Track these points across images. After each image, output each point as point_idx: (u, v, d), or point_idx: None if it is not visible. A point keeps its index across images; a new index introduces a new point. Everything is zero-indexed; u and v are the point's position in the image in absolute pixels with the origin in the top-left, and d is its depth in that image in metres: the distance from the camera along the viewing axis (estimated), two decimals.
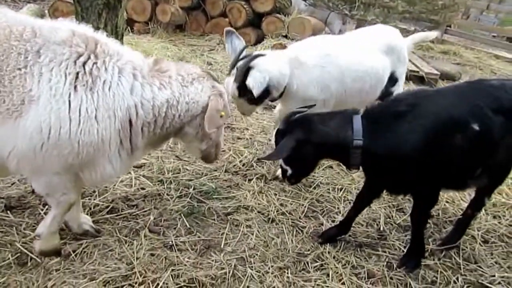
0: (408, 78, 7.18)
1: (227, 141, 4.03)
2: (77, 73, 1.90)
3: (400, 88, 3.89)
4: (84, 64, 1.92)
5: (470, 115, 2.22)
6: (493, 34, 14.33)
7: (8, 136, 1.88)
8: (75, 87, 1.89)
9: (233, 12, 8.10)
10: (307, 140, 2.31)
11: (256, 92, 2.95)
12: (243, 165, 3.65)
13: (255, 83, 2.93)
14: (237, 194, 3.19)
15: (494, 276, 2.55)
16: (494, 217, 3.22)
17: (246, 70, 2.97)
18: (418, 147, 2.21)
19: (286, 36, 7.93)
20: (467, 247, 2.79)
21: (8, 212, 2.66)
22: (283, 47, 7.09)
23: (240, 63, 3.07)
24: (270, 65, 3.05)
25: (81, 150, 1.96)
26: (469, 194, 3.28)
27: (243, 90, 3.04)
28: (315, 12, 8.90)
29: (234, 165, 3.63)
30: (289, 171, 2.48)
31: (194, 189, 3.17)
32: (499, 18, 16.72)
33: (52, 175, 2.07)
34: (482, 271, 2.59)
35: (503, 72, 9.41)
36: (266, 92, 3.10)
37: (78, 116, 1.89)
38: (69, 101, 1.88)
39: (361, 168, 2.44)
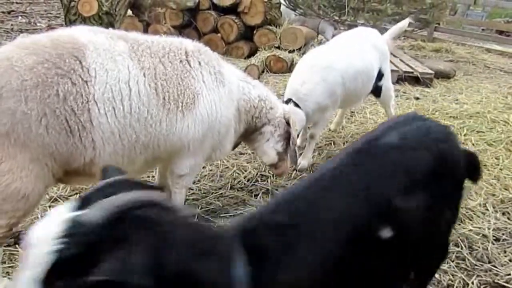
0: (403, 79, 7.24)
1: (230, 157, 4.03)
2: (215, 74, 2.46)
3: (387, 82, 4.29)
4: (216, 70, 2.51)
5: (374, 218, 1.40)
6: (482, 28, 14.45)
7: (189, 125, 2.34)
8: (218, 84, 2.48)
9: (225, 27, 8.15)
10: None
11: None
12: (248, 180, 3.65)
13: None
14: (245, 211, 3.17)
15: (509, 274, 2.53)
16: (503, 213, 3.21)
17: None
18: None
19: (278, 47, 7.98)
20: (479, 247, 2.78)
21: (17, 246, 2.63)
22: (277, 58, 7.20)
23: None
24: None
25: (223, 131, 2.56)
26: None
27: None
28: (306, 21, 8.97)
29: (239, 181, 3.63)
30: None
31: (201, 208, 3.16)
32: (487, 11, 16.90)
33: (200, 157, 2.59)
34: (497, 271, 2.58)
35: (497, 65, 9.47)
36: None
37: (223, 103, 2.48)
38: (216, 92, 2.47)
39: None
